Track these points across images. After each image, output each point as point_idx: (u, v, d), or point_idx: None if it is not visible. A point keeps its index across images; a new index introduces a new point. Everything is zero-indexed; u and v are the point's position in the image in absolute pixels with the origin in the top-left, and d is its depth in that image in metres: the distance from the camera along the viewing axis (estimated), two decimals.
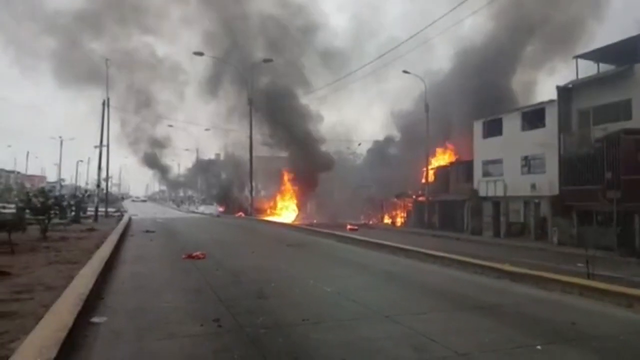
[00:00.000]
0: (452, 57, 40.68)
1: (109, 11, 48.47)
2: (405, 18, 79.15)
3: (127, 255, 12.34)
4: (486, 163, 31.46)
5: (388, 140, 47.12)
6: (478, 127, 32.21)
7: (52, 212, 15.99)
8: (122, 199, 78.31)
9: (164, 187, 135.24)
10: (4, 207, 13.55)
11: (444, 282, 8.87)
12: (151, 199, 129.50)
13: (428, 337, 5.15)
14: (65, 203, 18.16)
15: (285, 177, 44.44)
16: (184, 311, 6.44)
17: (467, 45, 39.60)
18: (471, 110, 33.66)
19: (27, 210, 15.84)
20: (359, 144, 51.50)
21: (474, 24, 33.21)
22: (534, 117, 27.67)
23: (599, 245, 21.34)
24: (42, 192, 16.29)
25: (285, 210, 44.86)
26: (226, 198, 54.36)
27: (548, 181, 25.99)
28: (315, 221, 35.79)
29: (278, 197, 46.27)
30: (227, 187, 54.94)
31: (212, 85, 44.46)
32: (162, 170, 73.25)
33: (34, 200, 15.44)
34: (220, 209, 53.59)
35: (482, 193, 31.24)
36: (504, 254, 18.33)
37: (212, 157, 70.53)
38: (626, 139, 21.34)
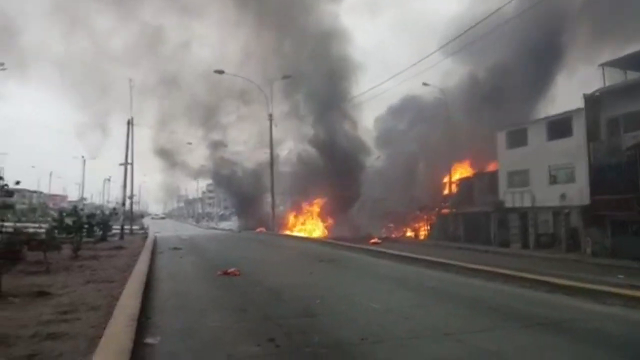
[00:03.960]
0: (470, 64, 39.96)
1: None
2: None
3: (161, 273, 12.26)
4: (511, 174, 30.92)
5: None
6: (502, 138, 31.77)
7: (83, 230, 16.12)
8: (142, 216, 79.00)
9: (181, 204, 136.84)
10: (39, 227, 13.68)
11: (493, 297, 8.55)
12: (169, 215, 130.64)
13: (503, 358, 4.88)
14: (95, 222, 18.31)
15: (315, 202, 44.39)
16: (235, 331, 6.28)
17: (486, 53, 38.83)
18: (491, 116, 33.28)
19: (56, 230, 15.97)
20: (378, 157, 51.13)
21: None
22: (560, 127, 27.16)
23: (635, 256, 20.67)
24: (75, 211, 16.47)
25: (307, 225, 44.61)
26: (246, 213, 54.38)
27: (578, 191, 25.38)
28: (337, 235, 35.44)
29: (300, 213, 46.04)
30: (247, 202, 54.88)
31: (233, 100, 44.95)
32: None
33: (67, 219, 15.57)
34: (239, 223, 53.65)
35: (508, 204, 30.66)
36: (538, 267, 17.79)
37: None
38: None
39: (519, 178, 30.17)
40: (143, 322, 6.62)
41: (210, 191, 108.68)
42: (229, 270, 11.66)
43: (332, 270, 12.92)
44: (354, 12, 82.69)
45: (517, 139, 30.44)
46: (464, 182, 37.80)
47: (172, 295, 8.95)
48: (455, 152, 36.38)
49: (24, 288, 9.66)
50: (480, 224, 33.29)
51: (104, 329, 6.28)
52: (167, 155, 53.62)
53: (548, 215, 28.14)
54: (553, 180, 27.76)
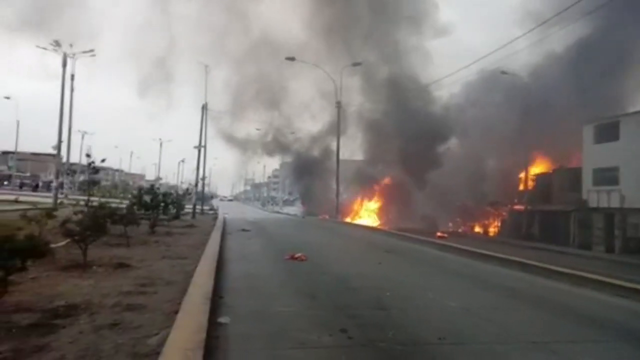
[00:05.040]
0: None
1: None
2: None
3: (231, 253, 12.52)
4: (598, 171, 28.39)
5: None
6: (588, 132, 29.21)
7: (160, 208, 16.91)
8: (212, 198, 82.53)
9: (248, 187, 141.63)
10: (120, 202, 14.54)
11: (583, 304, 7.76)
12: (237, 198, 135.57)
13: None
14: (170, 201, 19.17)
15: (382, 186, 43.11)
16: (306, 318, 6.14)
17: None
18: (574, 109, 30.55)
19: (135, 206, 16.87)
20: (447, 148, 49.14)
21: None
22: None
23: None
24: (152, 190, 17.33)
25: (369, 214, 44.15)
26: (309, 199, 54.87)
27: None
28: (401, 227, 34.62)
29: (364, 200, 45.61)
30: (311, 189, 55.23)
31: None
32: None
33: (145, 197, 16.39)
34: (303, 209, 54.14)
35: (592, 204, 28.26)
36: (629, 274, 16.17)
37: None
38: None
39: (607, 176, 27.62)
40: (216, 301, 6.68)
41: (275, 176, 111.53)
42: (296, 255, 11.64)
43: (401, 262, 12.51)
44: None
45: (607, 133, 27.80)
46: (541, 178, 35.36)
47: (242, 276, 9.05)
48: (533, 144, 33.86)
49: (106, 259, 10.25)
50: (558, 223, 31.04)
51: (179, 304, 6.42)
52: (234, 139, 54.68)
53: (639, 219, 25.59)
54: None
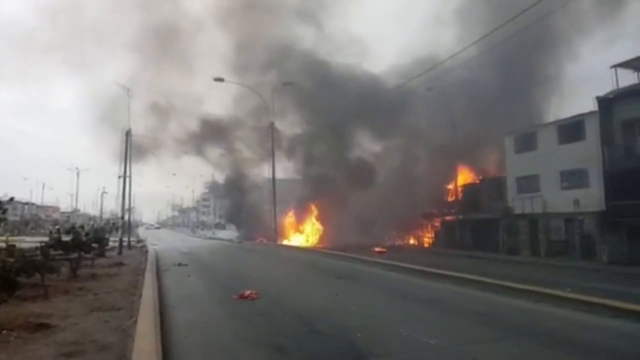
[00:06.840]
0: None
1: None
2: None
3: (171, 297, 11.19)
4: (520, 179, 30.18)
5: None
6: (510, 142, 31.06)
7: (91, 248, 14.98)
8: (137, 226, 77.45)
9: (175, 213, 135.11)
10: (37, 245, 12.62)
11: (558, 327, 7.55)
12: (164, 225, 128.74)
13: None
14: (94, 238, 17.09)
15: (312, 207, 42.42)
16: None
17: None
18: (494, 122, 32.35)
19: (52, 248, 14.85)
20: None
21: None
22: (571, 130, 26.48)
23: None
24: (73, 228, 15.35)
25: (307, 234, 43.51)
26: (243, 222, 53.05)
27: (592, 196, 24.65)
28: (339, 243, 34.27)
29: (299, 220, 44.88)
30: (243, 211, 53.38)
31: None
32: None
33: (64, 237, 14.43)
34: (238, 233, 52.22)
35: (517, 210, 29.88)
36: (560, 277, 16.99)
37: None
38: None
39: (529, 183, 29.40)
40: None
41: (204, 199, 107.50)
42: (246, 294, 10.64)
43: (356, 291, 11.89)
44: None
45: (526, 143, 29.73)
46: (469, 188, 36.99)
47: (190, 328, 7.91)
48: (458, 156, 35.26)
49: (20, 318, 8.59)
50: (487, 231, 32.46)
51: None
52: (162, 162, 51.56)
53: (560, 222, 27.39)
54: (566, 185, 27.02)
